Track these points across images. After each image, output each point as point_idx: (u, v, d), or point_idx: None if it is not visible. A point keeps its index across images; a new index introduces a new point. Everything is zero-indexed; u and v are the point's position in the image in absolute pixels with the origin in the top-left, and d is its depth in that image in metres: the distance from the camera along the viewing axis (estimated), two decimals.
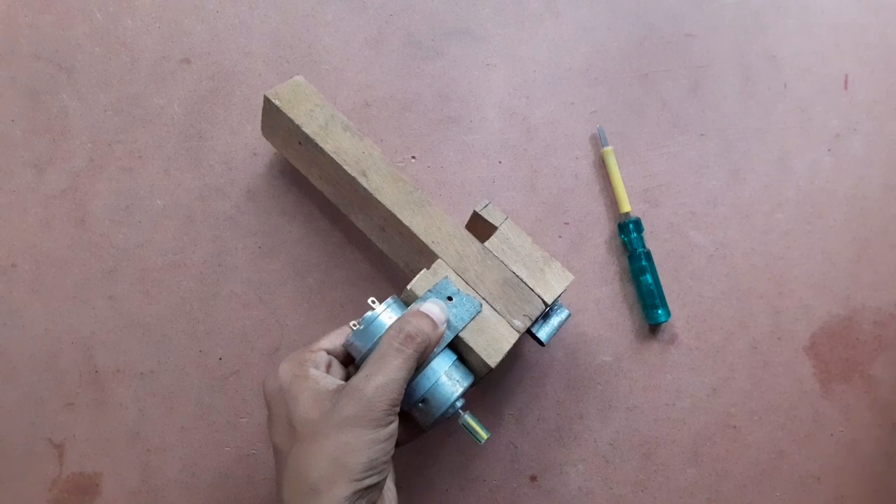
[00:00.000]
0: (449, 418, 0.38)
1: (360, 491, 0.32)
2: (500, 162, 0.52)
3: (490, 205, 0.43)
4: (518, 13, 0.53)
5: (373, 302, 0.38)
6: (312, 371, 0.35)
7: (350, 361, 0.39)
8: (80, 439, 0.49)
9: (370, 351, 0.35)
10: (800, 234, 0.52)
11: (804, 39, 0.53)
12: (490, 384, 0.51)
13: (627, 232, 0.50)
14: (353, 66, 0.52)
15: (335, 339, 0.38)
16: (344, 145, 0.44)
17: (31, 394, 0.49)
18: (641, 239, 0.50)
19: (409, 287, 0.39)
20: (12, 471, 0.48)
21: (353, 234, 0.51)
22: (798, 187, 0.52)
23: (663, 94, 0.52)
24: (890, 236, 0.52)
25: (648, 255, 0.50)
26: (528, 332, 0.42)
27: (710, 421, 0.50)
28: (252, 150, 0.51)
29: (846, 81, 0.53)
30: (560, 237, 0.51)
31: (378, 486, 0.33)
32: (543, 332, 0.43)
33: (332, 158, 0.43)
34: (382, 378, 0.33)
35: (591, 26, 0.52)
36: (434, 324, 0.36)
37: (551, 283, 0.42)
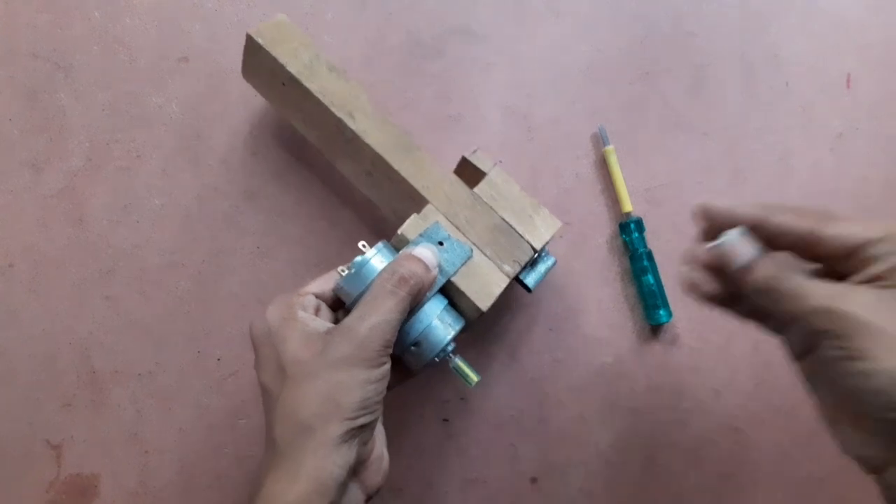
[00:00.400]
0: (440, 362, 0.38)
1: (353, 430, 0.32)
2: (500, 162, 0.52)
3: (478, 151, 0.43)
4: (518, 13, 0.52)
5: (363, 246, 0.38)
6: (301, 313, 0.35)
7: (338, 306, 0.38)
8: (78, 440, 0.48)
9: (361, 295, 0.35)
10: None
11: (806, 38, 0.52)
12: (490, 384, 0.50)
13: (629, 232, 0.50)
14: (353, 65, 0.52)
15: (323, 284, 0.38)
16: (330, 86, 0.43)
17: (29, 394, 0.48)
18: (643, 239, 0.50)
19: (399, 231, 0.39)
20: (10, 472, 0.48)
21: (352, 235, 0.50)
22: (800, 187, 0.52)
23: (665, 93, 0.52)
24: None
25: (650, 256, 0.50)
26: (516, 278, 0.42)
27: (712, 422, 0.50)
28: (251, 150, 0.51)
29: (848, 81, 0.52)
30: (560, 237, 0.51)
31: (370, 427, 0.34)
32: (531, 279, 0.43)
33: (317, 99, 0.42)
34: (376, 318, 0.33)
35: (591, 25, 0.52)
36: (427, 267, 0.36)
37: (540, 229, 0.42)
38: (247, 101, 0.51)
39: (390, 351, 0.34)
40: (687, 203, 0.52)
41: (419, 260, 0.36)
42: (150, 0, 0.51)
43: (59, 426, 0.48)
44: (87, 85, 0.51)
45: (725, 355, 0.51)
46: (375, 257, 0.37)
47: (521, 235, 0.42)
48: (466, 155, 0.43)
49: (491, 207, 0.42)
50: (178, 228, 0.50)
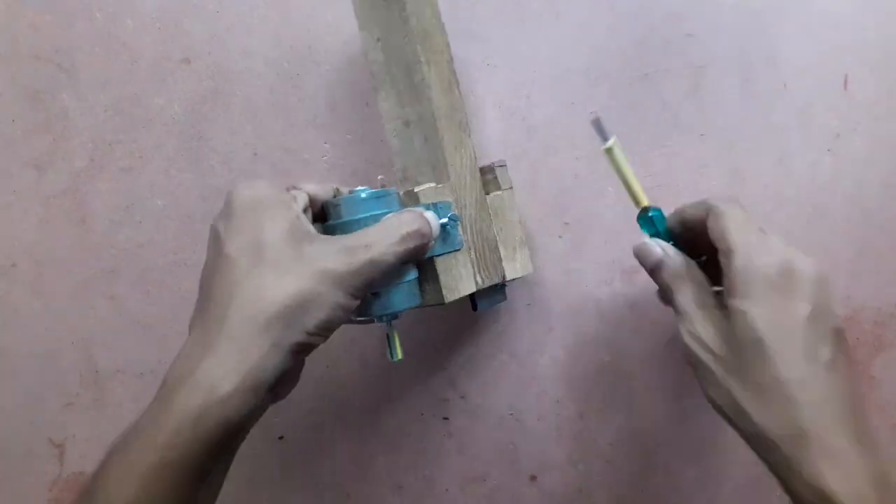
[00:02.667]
0: (378, 322, 0.38)
1: (303, 345, 0.31)
2: (492, 163, 0.52)
3: (505, 167, 0.45)
4: (518, 13, 0.53)
5: (382, 179, 0.38)
6: (295, 205, 0.34)
7: (319, 219, 0.38)
8: (81, 439, 0.49)
9: (353, 222, 0.35)
10: (800, 234, 0.52)
11: (804, 39, 0.53)
12: (490, 383, 0.51)
13: (652, 224, 0.43)
14: (353, 66, 0.52)
15: (318, 190, 0.37)
16: (426, 27, 0.42)
17: (32, 394, 0.49)
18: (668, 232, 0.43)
19: (416, 189, 0.39)
20: (12, 471, 0.48)
21: None
22: (798, 187, 0.52)
23: (663, 94, 0.52)
24: (890, 236, 0.52)
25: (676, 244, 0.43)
26: (475, 292, 0.43)
27: (710, 421, 0.50)
28: (252, 150, 0.51)
29: (846, 81, 0.53)
30: (560, 237, 0.51)
31: (309, 351, 0.33)
32: (484, 302, 0.45)
33: (409, 31, 0.42)
34: (378, 256, 0.33)
35: (591, 26, 0.52)
36: (432, 235, 0.36)
37: (517, 263, 0.44)
38: (248, 102, 0.51)
39: (369, 291, 0.34)
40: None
41: (430, 225, 0.36)
42: (152, 1, 0.51)
43: (62, 425, 0.49)
44: (89, 86, 0.51)
45: None
46: (386, 197, 0.37)
47: (500, 259, 0.43)
48: (494, 164, 0.45)
49: (491, 221, 0.43)
50: (181, 228, 0.50)
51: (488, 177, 0.45)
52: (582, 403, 0.50)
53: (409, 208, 0.37)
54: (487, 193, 0.44)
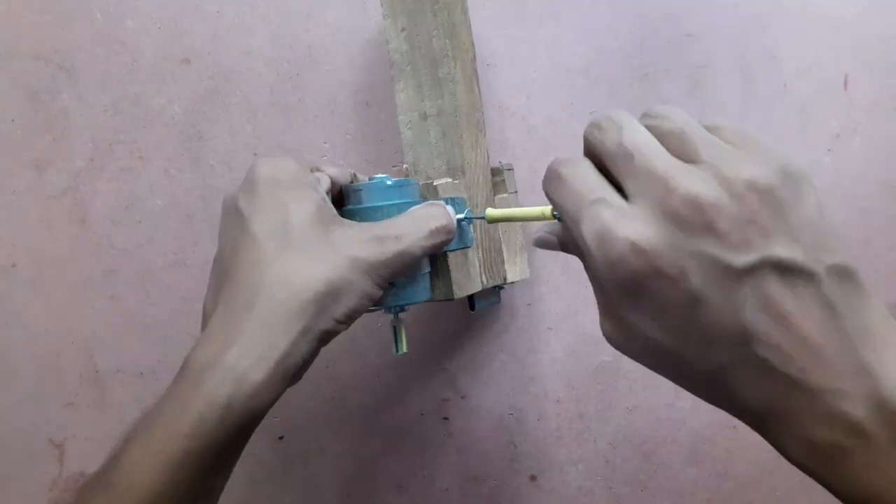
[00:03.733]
0: (387, 313, 0.38)
1: (330, 332, 0.31)
2: (500, 162, 0.52)
3: (513, 170, 0.45)
4: (518, 13, 0.53)
5: (406, 168, 0.39)
6: (320, 188, 0.33)
7: (337, 203, 0.37)
8: (81, 439, 0.49)
9: (373, 210, 0.35)
10: None
11: (804, 40, 0.53)
12: (490, 382, 0.51)
13: None
14: (353, 66, 0.52)
15: (339, 174, 0.36)
16: (455, 21, 0.43)
17: (32, 394, 0.49)
18: None
19: (435, 183, 0.39)
20: (13, 471, 0.48)
21: None
22: None
23: (663, 94, 0.52)
24: (890, 236, 0.52)
25: None
26: (472, 293, 0.43)
27: (709, 420, 0.50)
28: (252, 150, 0.51)
29: (846, 82, 0.53)
30: None
31: (332, 338, 0.32)
32: (482, 303, 0.45)
33: (442, 23, 0.42)
34: (407, 248, 0.32)
35: (591, 26, 0.52)
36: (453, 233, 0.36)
37: (516, 267, 0.45)
38: (248, 102, 0.51)
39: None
40: None
41: (453, 222, 0.36)
42: (152, 2, 0.51)
43: (62, 425, 0.49)
44: (89, 86, 0.51)
45: None
46: (408, 187, 0.37)
47: (503, 262, 0.44)
48: (503, 166, 0.45)
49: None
50: (181, 228, 0.50)
51: (497, 178, 0.45)
52: (582, 403, 0.50)
53: (433, 202, 0.36)
54: (495, 195, 0.45)
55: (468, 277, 0.40)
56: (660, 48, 0.52)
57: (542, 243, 0.33)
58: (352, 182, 0.37)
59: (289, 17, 0.51)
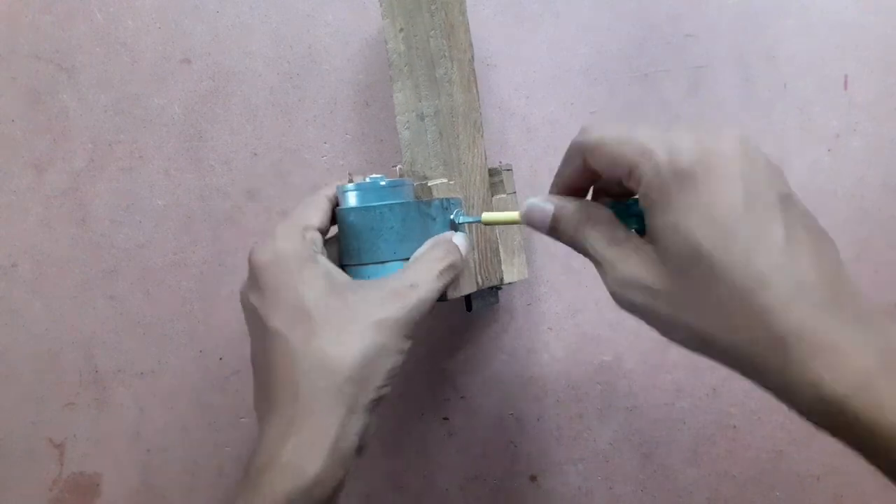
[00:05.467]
0: None
1: (377, 400, 0.31)
2: (499, 162, 0.52)
3: (511, 171, 0.45)
4: (518, 13, 0.53)
5: (400, 169, 0.39)
6: (320, 257, 0.33)
7: (324, 231, 0.36)
8: (81, 439, 0.49)
9: (364, 211, 0.35)
10: None
11: (804, 40, 0.53)
12: (490, 382, 0.51)
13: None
14: (353, 66, 0.52)
15: (321, 215, 0.35)
16: (453, 22, 0.42)
17: (32, 394, 0.49)
18: None
19: (429, 184, 0.39)
20: (13, 471, 0.48)
21: None
22: (798, 187, 0.52)
23: (663, 94, 0.52)
24: (890, 236, 0.52)
25: None
26: (469, 294, 0.43)
27: (709, 420, 0.51)
28: (252, 150, 0.51)
29: (846, 82, 0.53)
30: None
31: (382, 402, 0.31)
32: (479, 303, 0.45)
33: (439, 23, 0.42)
34: (426, 294, 0.32)
35: (591, 26, 0.52)
36: (462, 262, 0.36)
37: (514, 268, 0.45)
38: (248, 102, 0.51)
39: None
40: None
41: (461, 253, 0.36)
42: (152, 2, 0.51)
43: (62, 425, 0.49)
44: (89, 86, 0.51)
45: None
46: (402, 187, 0.37)
47: (500, 262, 0.44)
48: (501, 167, 0.45)
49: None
50: (181, 228, 0.50)
51: (495, 179, 0.45)
52: (582, 403, 0.51)
53: (441, 237, 0.36)
54: (492, 196, 0.45)
55: (462, 278, 0.40)
56: (660, 48, 0.52)
57: (531, 219, 0.32)
58: (350, 181, 0.37)
59: (289, 17, 0.51)
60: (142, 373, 0.49)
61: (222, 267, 0.50)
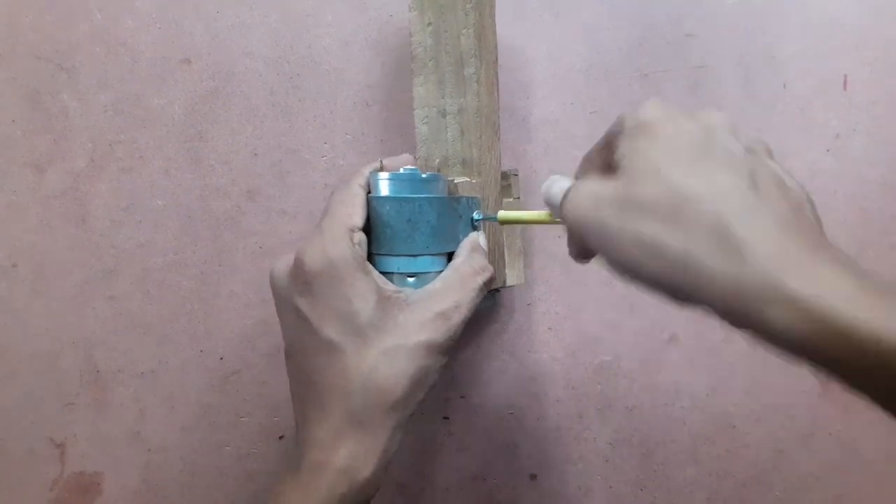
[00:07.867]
0: None
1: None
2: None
3: (518, 176, 0.46)
4: (518, 13, 0.53)
5: (414, 162, 0.39)
6: (368, 265, 0.33)
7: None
8: (81, 439, 0.49)
9: (402, 202, 0.35)
10: None
11: (804, 40, 0.53)
12: (490, 382, 0.51)
13: None
14: (353, 66, 0.52)
15: (361, 212, 0.35)
16: (485, 23, 0.43)
17: (32, 394, 0.49)
18: None
19: (456, 181, 0.40)
20: (13, 471, 0.48)
21: None
22: None
23: (663, 94, 0.52)
24: (890, 236, 0.52)
25: None
26: None
27: (709, 420, 0.51)
28: (252, 150, 0.51)
29: (846, 82, 0.53)
30: (560, 237, 0.51)
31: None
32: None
33: (473, 22, 0.41)
34: (467, 313, 0.34)
35: (591, 26, 0.52)
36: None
37: (514, 272, 0.45)
38: (248, 102, 0.51)
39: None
40: None
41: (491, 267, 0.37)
42: (152, 2, 0.51)
43: (62, 425, 0.49)
44: (89, 86, 0.51)
45: (722, 353, 0.51)
46: (437, 182, 0.37)
47: (504, 265, 0.44)
48: (510, 171, 0.46)
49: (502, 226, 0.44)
50: (181, 228, 0.50)
51: (504, 183, 0.46)
52: (582, 403, 0.51)
53: (473, 248, 0.37)
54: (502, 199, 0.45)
55: None
56: (660, 48, 0.52)
57: (549, 197, 0.32)
58: (380, 169, 0.37)
59: (289, 16, 0.51)
60: (142, 373, 0.49)
61: (222, 267, 0.50)
